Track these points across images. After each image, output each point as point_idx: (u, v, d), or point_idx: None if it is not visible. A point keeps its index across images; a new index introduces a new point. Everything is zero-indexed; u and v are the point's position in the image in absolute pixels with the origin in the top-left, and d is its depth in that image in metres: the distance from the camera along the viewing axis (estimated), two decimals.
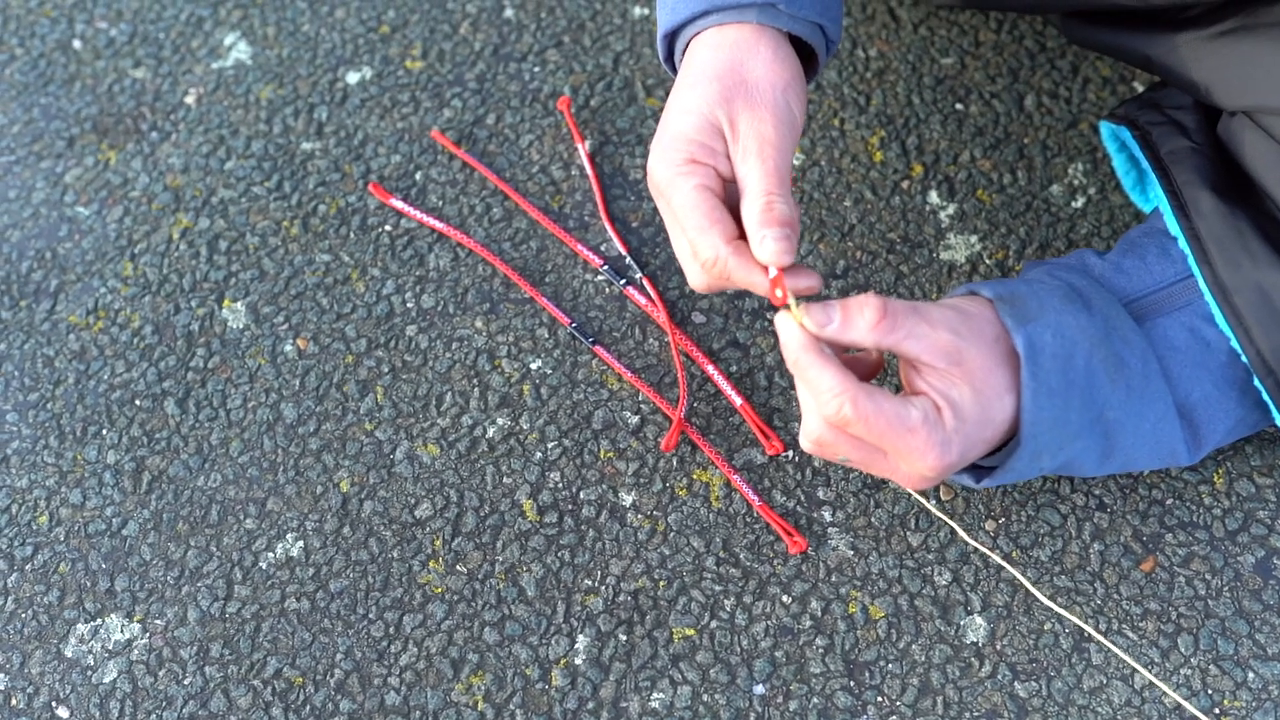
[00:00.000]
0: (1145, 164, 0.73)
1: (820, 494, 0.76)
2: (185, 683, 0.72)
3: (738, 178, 0.65)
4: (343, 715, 0.71)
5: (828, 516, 0.76)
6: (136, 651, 0.74)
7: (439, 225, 0.88)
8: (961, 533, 0.74)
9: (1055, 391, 0.62)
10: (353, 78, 0.96)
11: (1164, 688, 0.69)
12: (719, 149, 0.65)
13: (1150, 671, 0.70)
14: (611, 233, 0.87)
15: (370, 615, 0.74)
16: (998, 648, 0.71)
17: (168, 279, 0.87)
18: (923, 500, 0.76)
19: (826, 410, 0.61)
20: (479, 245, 0.87)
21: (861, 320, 0.61)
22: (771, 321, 0.83)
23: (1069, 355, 0.63)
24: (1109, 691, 0.70)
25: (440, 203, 0.89)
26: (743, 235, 0.64)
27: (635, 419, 0.80)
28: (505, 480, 0.78)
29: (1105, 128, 0.80)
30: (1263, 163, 0.68)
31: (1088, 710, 0.69)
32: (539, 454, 0.79)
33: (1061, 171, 0.88)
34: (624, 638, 0.73)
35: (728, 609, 0.73)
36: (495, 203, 0.89)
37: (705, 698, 0.71)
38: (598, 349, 0.82)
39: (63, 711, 0.72)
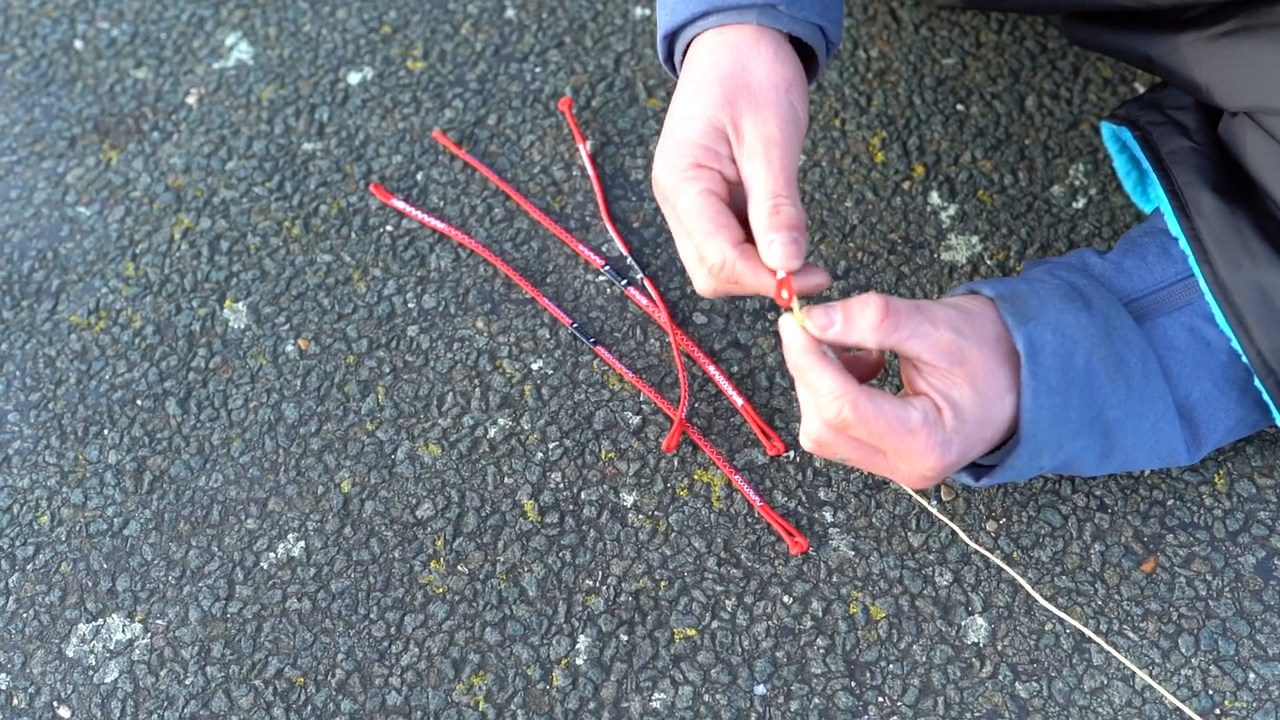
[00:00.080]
0: (1146, 164, 0.73)
1: (821, 494, 0.76)
2: (186, 683, 0.73)
3: (743, 180, 0.65)
4: (344, 715, 0.71)
5: (829, 517, 0.76)
6: (138, 651, 0.74)
7: (440, 226, 0.88)
8: (962, 534, 0.74)
9: (1055, 390, 0.62)
10: (354, 78, 0.96)
11: (1162, 690, 0.70)
12: (723, 152, 0.65)
13: (1151, 672, 0.70)
14: (613, 233, 0.87)
15: (372, 615, 0.74)
16: (999, 648, 0.72)
17: (169, 279, 0.87)
18: (923, 501, 0.76)
19: (827, 413, 0.61)
20: (480, 246, 0.87)
21: (864, 320, 0.61)
22: (773, 322, 0.83)
23: (1069, 354, 0.63)
24: (1110, 692, 0.70)
25: (441, 203, 0.89)
26: (749, 239, 0.63)
27: (636, 419, 0.80)
28: (506, 480, 0.78)
29: (1106, 128, 0.80)
30: (1263, 163, 0.68)
31: (1089, 711, 0.69)
32: (540, 454, 0.79)
33: (1063, 172, 0.88)
34: (625, 638, 0.73)
35: (729, 609, 0.73)
36: (496, 203, 0.89)
37: (706, 698, 0.71)
38: (599, 349, 0.82)
39: (64, 711, 0.72)
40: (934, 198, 0.88)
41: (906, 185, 0.88)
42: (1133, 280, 0.69)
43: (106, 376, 0.83)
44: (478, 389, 0.82)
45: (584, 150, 0.90)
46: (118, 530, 0.78)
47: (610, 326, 0.83)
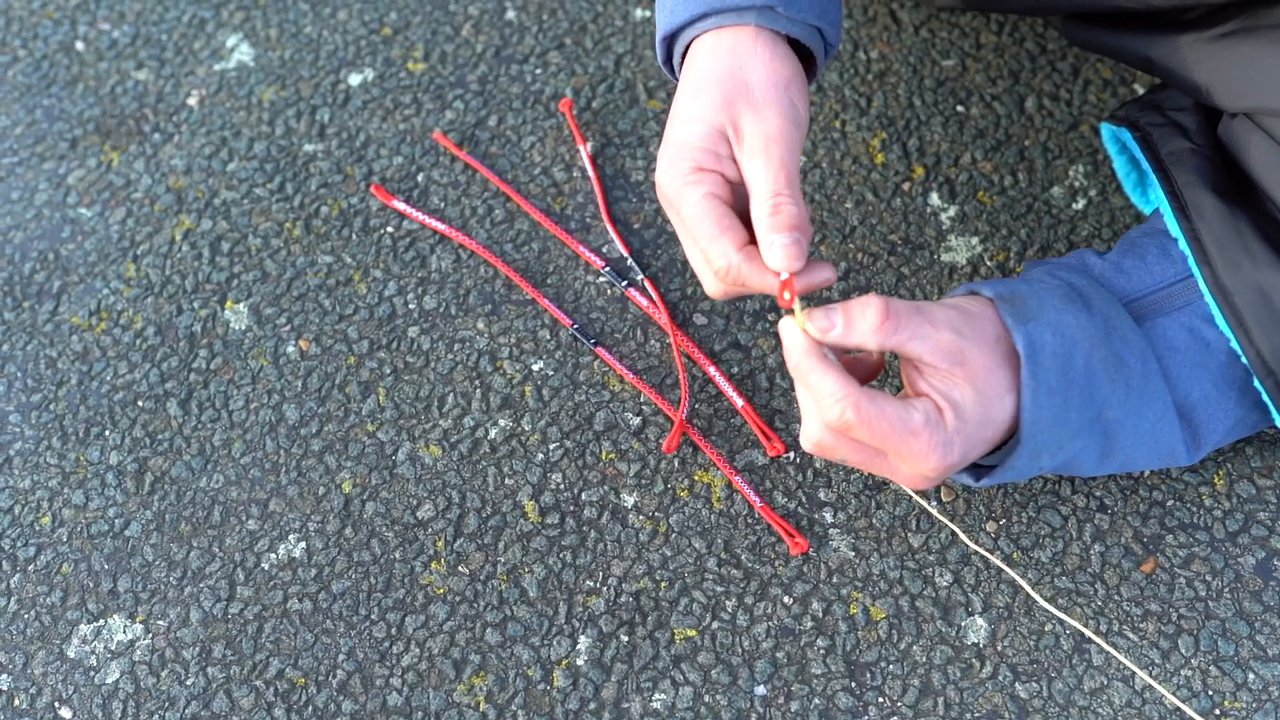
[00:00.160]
0: (1146, 165, 0.73)
1: (821, 495, 0.77)
2: (188, 683, 0.73)
3: (745, 178, 0.64)
4: (345, 716, 0.71)
5: (829, 518, 0.76)
6: (139, 652, 0.74)
7: (441, 227, 0.88)
8: (962, 535, 0.74)
9: (1055, 390, 0.62)
10: (355, 79, 0.96)
11: (1162, 690, 0.70)
12: (724, 154, 0.65)
13: (1151, 672, 0.70)
14: (613, 234, 0.87)
15: (372, 616, 0.74)
16: (999, 649, 0.72)
17: (170, 280, 0.87)
18: (924, 502, 0.76)
19: (829, 415, 0.61)
20: (481, 247, 0.87)
21: (865, 322, 0.61)
22: (773, 324, 0.83)
23: (1069, 354, 0.63)
24: (1110, 692, 0.70)
25: (442, 204, 0.90)
26: (754, 240, 0.63)
27: (637, 420, 0.80)
28: (507, 481, 0.78)
29: (1106, 129, 0.80)
30: (1264, 164, 0.68)
31: (1089, 711, 0.69)
32: (541, 455, 0.79)
33: (1062, 173, 0.88)
34: (626, 638, 0.73)
35: (729, 610, 0.73)
36: (497, 204, 0.89)
37: (707, 698, 0.71)
38: (599, 350, 0.82)
39: (65, 712, 0.72)
40: (934, 199, 0.88)
41: (906, 186, 0.88)
42: (1132, 281, 0.70)
43: (108, 377, 0.83)
44: (478, 390, 0.82)
45: (584, 151, 0.90)
46: (119, 531, 0.78)
47: (611, 327, 0.84)
